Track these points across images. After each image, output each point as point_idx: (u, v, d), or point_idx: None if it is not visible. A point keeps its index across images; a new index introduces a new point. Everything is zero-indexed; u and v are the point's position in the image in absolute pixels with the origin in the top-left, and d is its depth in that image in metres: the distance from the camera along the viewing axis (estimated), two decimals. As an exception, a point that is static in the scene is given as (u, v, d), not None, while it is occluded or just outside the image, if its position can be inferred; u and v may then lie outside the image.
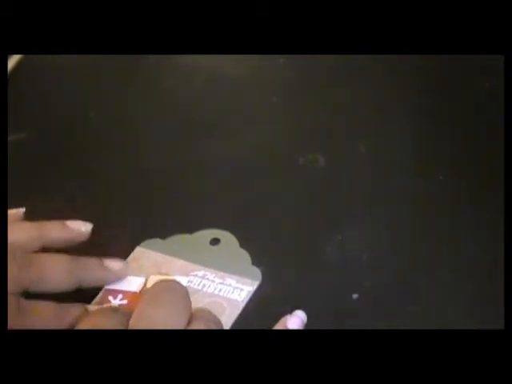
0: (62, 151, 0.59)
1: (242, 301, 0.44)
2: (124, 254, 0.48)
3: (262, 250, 0.47)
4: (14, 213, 0.47)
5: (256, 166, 0.55)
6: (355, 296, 0.44)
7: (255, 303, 0.44)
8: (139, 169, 0.56)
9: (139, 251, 0.49)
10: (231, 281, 0.46)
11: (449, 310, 0.42)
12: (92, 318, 0.39)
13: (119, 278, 0.45)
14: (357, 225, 0.49)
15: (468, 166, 0.51)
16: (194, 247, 0.48)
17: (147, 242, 0.49)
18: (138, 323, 0.37)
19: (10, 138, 0.57)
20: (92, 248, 0.47)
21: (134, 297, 0.45)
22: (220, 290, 0.45)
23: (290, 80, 0.63)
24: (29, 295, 0.42)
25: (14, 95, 0.53)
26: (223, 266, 0.47)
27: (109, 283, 0.45)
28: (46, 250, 0.45)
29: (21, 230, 0.44)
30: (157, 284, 0.40)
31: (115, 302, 0.45)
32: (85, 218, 0.49)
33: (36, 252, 0.44)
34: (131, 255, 0.48)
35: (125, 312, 0.39)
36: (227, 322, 0.43)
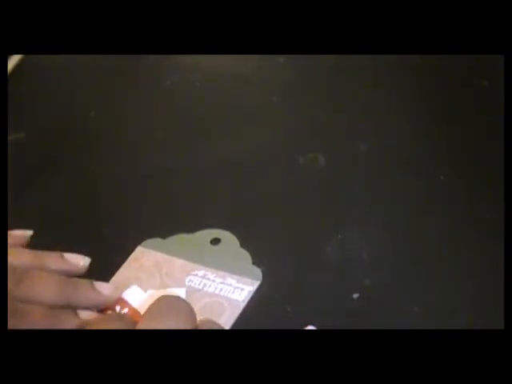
0: (62, 151, 0.60)
1: (243, 300, 0.44)
2: (125, 254, 0.49)
3: (262, 249, 0.47)
4: (20, 234, 0.47)
5: (256, 165, 0.55)
6: (355, 296, 0.44)
7: (255, 303, 0.44)
8: (139, 169, 0.57)
9: (140, 251, 0.49)
10: (232, 280, 0.46)
11: (449, 309, 0.42)
12: (99, 323, 0.39)
13: (109, 302, 0.44)
14: (357, 225, 0.49)
15: (468, 165, 0.51)
16: (195, 247, 0.48)
17: (148, 241, 0.49)
18: None
19: (10, 137, 0.58)
20: (93, 248, 0.47)
21: (136, 314, 0.44)
22: (220, 290, 0.45)
23: (290, 80, 0.63)
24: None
25: (14, 95, 0.53)
26: (224, 266, 0.47)
27: (98, 307, 0.44)
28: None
29: (18, 258, 0.44)
30: (160, 299, 0.40)
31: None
32: (85, 218, 0.49)
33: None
34: (132, 255, 0.48)
35: (129, 320, 0.39)
36: (228, 322, 0.43)
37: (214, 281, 0.46)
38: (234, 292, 0.45)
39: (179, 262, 0.48)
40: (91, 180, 0.56)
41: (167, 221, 0.51)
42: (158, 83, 0.65)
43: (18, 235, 0.47)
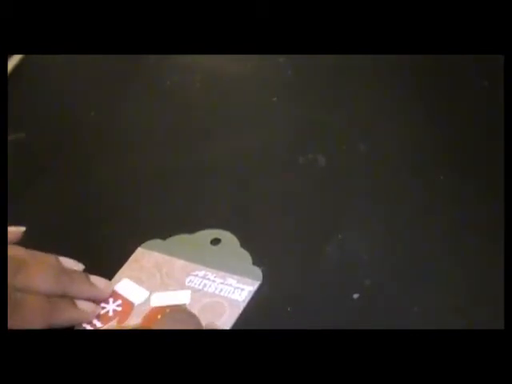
0: (62, 151, 0.60)
1: (243, 301, 0.44)
2: (125, 255, 0.49)
3: (262, 250, 0.47)
4: (14, 231, 0.47)
5: (256, 166, 0.55)
6: (355, 296, 0.44)
7: (256, 303, 0.44)
8: (139, 169, 0.57)
9: (140, 252, 0.49)
10: (232, 281, 0.46)
11: (449, 309, 0.42)
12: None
13: (102, 296, 0.45)
14: (357, 225, 0.49)
15: (468, 165, 0.51)
16: (195, 247, 0.48)
17: (148, 242, 0.49)
18: None
19: (10, 137, 0.58)
20: (93, 248, 0.47)
21: (128, 307, 0.45)
22: (221, 290, 0.45)
23: (290, 80, 0.63)
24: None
25: (14, 95, 0.53)
26: (224, 266, 0.47)
27: (92, 299, 0.45)
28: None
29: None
30: (167, 315, 0.40)
31: (113, 305, 0.45)
32: (85, 218, 0.49)
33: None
34: (132, 256, 0.48)
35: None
36: (228, 322, 0.43)
37: (214, 281, 0.46)
38: (234, 292, 0.45)
39: (179, 263, 0.48)
40: (91, 180, 0.56)
41: (167, 221, 0.51)
42: (158, 83, 0.65)
43: (11, 231, 0.47)
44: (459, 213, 0.48)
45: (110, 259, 0.48)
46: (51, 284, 0.43)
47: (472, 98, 0.57)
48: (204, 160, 0.56)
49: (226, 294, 0.45)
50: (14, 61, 0.69)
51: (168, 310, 0.44)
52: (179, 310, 0.43)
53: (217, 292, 0.45)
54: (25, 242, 0.46)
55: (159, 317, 0.44)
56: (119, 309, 0.45)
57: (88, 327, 0.44)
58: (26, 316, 0.42)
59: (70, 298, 0.44)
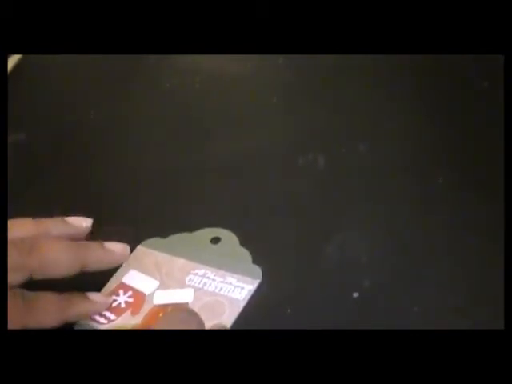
0: (62, 151, 0.60)
1: (243, 299, 0.44)
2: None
3: (262, 248, 0.47)
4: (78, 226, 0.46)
5: (256, 166, 0.55)
6: (355, 296, 0.44)
7: (256, 302, 0.44)
8: (139, 169, 0.57)
9: (140, 250, 0.49)
10: (232, 279, 0.46)
11: (449, 310, 0.42)
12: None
13: (120, 261, 0.46)
14: (357, 225, 0.49)
15: (468, 166, 0.51)
16: (195, 246, 0.48)
17: (148, 241, 0.49)
18: None
19: (10, 138, 0.57)
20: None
21: (140, 297, 0.45)
22: (221, 289, 0.45)
23: (290, 80, 0.63)
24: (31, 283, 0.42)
25: (14, 95, 0.53)
26: (224, 265, 0.47)
27: (110, 266, 0.45)
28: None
29: (20, 227, 0.44)
30: (169, 314, 0.40)
31: (124, 297, 0.45)
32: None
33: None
34: (132, 254, 0.48)
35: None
36: (228, 321, 0.43)
37: (214, 280, 0.46)
38: (234, 291, 0.45)
39: (179, 262, 0.48)
40: (91, 180, 0.56)
41: (167, 220, 0.51)
42: (157, 83, 0.65)
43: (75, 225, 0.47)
44: (459, 213, 0.48)
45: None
46: (68, 257, 0.43)
47: (472, 98, 0.57)
48: (204, 160, 0.56)
49: (225, 293, 0.45)
50: (13, 61, 0.69)
51: (170, 309, 0.44)
52: (181, 308, 0.43)
53: (217, 291, 0.45)
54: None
55: (161, 315, 0.44)
56: (131, 300, 0.45)
57: (102, 320, 0.44)
58: (41, 317, 0.41)
59: (81, 293, 0.43)
